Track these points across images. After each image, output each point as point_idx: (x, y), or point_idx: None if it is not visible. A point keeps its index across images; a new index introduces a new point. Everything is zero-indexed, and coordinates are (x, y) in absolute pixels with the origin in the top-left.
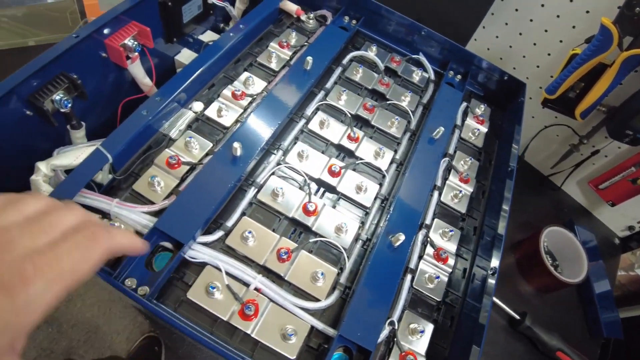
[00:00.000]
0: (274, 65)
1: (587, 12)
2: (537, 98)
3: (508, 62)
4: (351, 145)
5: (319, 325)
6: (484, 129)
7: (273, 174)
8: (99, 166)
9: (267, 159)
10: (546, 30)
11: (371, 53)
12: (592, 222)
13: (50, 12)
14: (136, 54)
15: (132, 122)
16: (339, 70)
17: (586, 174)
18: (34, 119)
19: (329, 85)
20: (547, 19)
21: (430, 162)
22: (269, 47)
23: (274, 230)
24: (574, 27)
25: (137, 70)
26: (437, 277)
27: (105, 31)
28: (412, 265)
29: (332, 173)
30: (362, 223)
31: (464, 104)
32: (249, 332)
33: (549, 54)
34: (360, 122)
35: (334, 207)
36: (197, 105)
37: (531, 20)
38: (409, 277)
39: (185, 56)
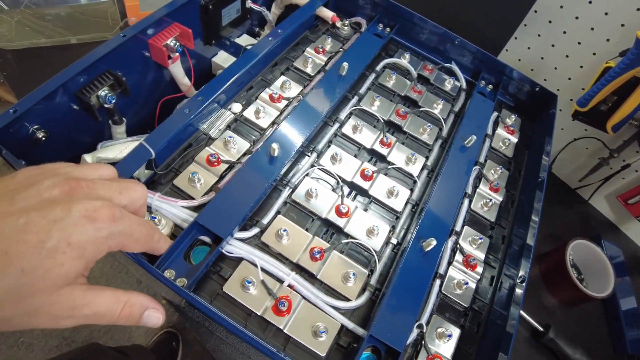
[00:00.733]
0: (309, 69)
1: (622, 25)
2: (568, 110)
3: (539, 74)
4: (383, 150)
5: (349, 324)
6: (514, 139)
7: (307, 175)
8: (143, 161)
9: (300, 161)
10: (579, 43)
11: (404, 60)
12: (620, 237)
13: (92, 12)
14: (177, 54)
15: (174, 119)
16: (372, 77)
17: (615, 188)
18: (80, 114)
19: (362, 90)
20: (581, 31)
21: (462, 169)
22: (305, 52)
23: (307, 230)
24: (608, 40)
25: (177, 70)
26: (466, 284)
27: (150, 31)
28: (441, 270)
29: (365, 177)
30: (393, 227)
31: (495, 114)
32: (281, 327)
33: (581, 66)
34: (392, 127)
35: (365, 210)
36: (236, 107)
37: (564, 32)
38: (437, 282)
39: (222, 58)
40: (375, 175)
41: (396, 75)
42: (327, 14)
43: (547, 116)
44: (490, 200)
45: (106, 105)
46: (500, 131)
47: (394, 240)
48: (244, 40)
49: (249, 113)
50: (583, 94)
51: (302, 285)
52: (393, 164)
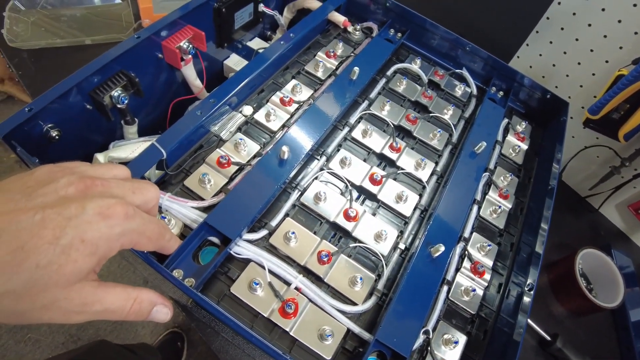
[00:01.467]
0: (320, 74)
1: (636, 33)
2: (579, 118)
3: (550, 81)
4: (393, 155)
5: (356, 328)
6: (524, 146)
7: (316, 178)
8: (154, 161)
9: (310, 164)
10: (592, 50)
11: (415, 66)
12: (630, 247)
13: (107, 14)
14: (190, 56)
15: (186, 121)
16: (383, 82)
17: (626, 198)
18: (93, 113)
19: (372, 95)
20: (594, 38)
21: (471, 176)
22: (316, 57)
23: (315, 233)
24: (621, 47)
25: (189, 72)
26: (473, 290)
27: (163, 33)
28: (449, 276)
29: (374, 181)
30: (401, 232)
31: (505, 120)
32: (287, 329)
33: (593, 74)
34: (402, 132)
35: (373, 214)
36: (247, 109)
37: (577, 40)
38: (445, 288)
39: (234, 61)
40: (384, 179)
41: (407, 81)
42: (339, 18)
43: (558, 123)
44: (500, 207)
45: (119, 106)
46: (510, 138)
47: (401, 246)
48: (256, 43)
49: (260, 116)
50: (595, 101)
51: (309, 288)
52: (402, 169)
